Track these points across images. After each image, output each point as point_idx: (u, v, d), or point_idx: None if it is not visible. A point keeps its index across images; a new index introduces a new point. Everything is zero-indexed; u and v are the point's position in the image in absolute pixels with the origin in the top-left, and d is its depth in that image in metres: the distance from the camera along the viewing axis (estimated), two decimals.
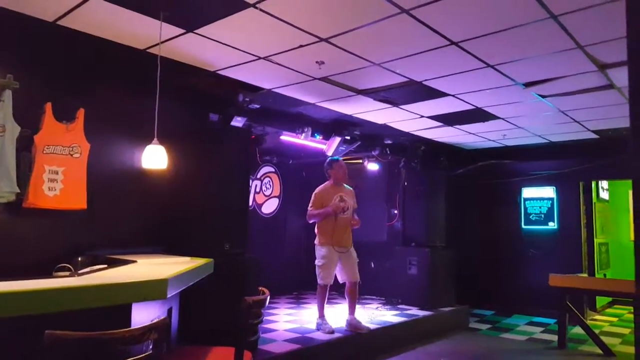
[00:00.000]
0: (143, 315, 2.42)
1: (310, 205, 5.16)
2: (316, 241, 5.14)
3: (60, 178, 3.51)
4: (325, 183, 5.27)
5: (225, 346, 2.54)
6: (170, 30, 3.32)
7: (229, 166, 4.56)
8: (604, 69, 3.91)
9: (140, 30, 3.34)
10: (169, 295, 2.31)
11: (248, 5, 2.93)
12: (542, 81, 4.28)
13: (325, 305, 5.13)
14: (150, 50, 3.68)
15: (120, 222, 4.02)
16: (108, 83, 4.04)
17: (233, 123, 4.60)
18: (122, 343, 1.68)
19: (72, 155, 3.58)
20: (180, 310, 3.36)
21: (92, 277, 2.41)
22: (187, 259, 3.36)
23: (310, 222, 5.23)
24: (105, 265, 2.86)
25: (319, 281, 5.00)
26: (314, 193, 5.20)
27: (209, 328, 3.58)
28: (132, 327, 1.79)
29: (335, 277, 5.09)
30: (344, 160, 5.51)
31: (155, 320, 1.86)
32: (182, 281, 2.62)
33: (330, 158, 5.49)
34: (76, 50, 3.70)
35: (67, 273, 2.73)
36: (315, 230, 5.17)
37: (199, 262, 3.15)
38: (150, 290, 2.29)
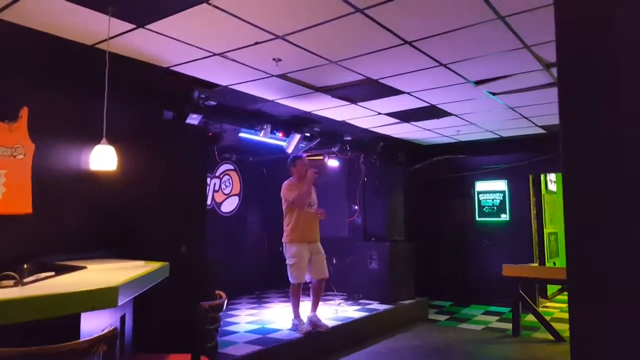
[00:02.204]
0: (93, 324, 2.33)
1: (289, 194, 5.04)
2: (285, 239, 5.08)
3: (2, 181, 3.31)
4: (290, 179, 5.24)
5: (183, 353, 2.48)
6: (120, 25, 3.20)
7: (185, 165, 4.45)
8: (549, 68, 4.08)
9: (88, 26, 3.20)
10: (120, 303, 2.23)
11: (201, 1, 2.86)
12: (492, 79, 4.42)
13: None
14: (99, 46, 3.53)
15: (69, 227, 3.83)
16: (54, 80, 3.83)
17: (188, 121, 4.49)
18: (68, 357, 1.61)
19: (15, 156, 3.38)
20: (135, 317, 3.26)
21: (37, 286, 2.30)
22: (141, 262, 3.25)
23: (295, 206, 5.02)
24: (53, 273, 2.72)
25: (292, 280, 4.94)
26: (283, 186, 5.13)
27: (166, 334, 3.49)
28: (80, 340, 1.71)
29: None
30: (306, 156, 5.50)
31: (105, 331, 1.79)
32: (135, 287, 2.53)
33: (292, 155, 5.46)
34: (19, 46, 3.49)
35: (12, 282, 2.58)
36: (284, 227, 5.11)
37: (153, 266, 3.05)
38: (99, 298, 2.19)
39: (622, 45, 1.06)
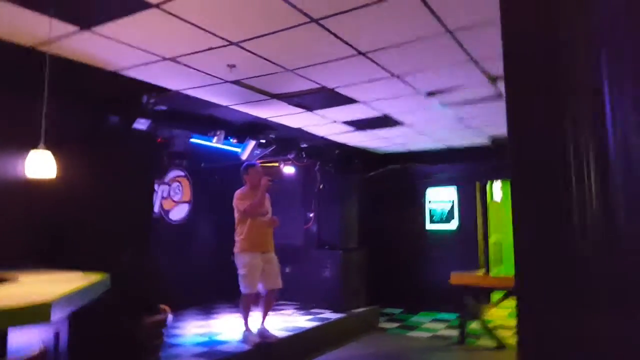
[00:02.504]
0: (23, 340, 2.17)
1: (240, 203, 4.92)
2: (236, 249, 4.92)
3: None
4: (242, 188, 5.12)
5: None
6: (63, 27, 3.04)
7: (130, 171, 4.26)
8: (495, 81, 4.25)
9: (27, 26, 3.01)
10: (54, 319, 2.08)
11: (150, 6, 2.76)
12: (442, 91, 4.55)
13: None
14: (41, 48, 3.33)
15: (1, 236, 3.57)
16: None
17: (136, 125, 4.31)
18: None
19: None
20: (72, 330, 3.06)
21: None
22: (79, 274, 3.06)
23: (250, 215, 4.92)
24: None
25: (243, 290, 4.77)
26: (236, 195, 5.00)
27: (106, 349, 3.31)
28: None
29: None
30: (260, 164, 5.41)
31: (34, 352, 1.66)
32: (72, 302, 2.38)
33: (246, 163, 5.33)
34: None
35: None
36: (236, 238, 4.96)
37: (92, 278, 2.88)
38: (30, 314, 2.04)
39: (563, 51, 1.11)
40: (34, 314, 2.03)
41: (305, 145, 7.09)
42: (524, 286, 1.13)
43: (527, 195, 1.16)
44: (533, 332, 1.10)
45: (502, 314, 7.66)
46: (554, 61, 1.12)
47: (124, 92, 4.27)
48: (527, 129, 1.19)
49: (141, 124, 4.34)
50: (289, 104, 4.95)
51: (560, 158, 1.09)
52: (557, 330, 1.06)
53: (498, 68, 3.90)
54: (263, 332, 4.90)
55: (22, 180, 3.46)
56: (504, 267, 8.98)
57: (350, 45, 3.38)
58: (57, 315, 2.12)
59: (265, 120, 5.69)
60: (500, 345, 5.61)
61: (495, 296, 8.35)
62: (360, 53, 3.53)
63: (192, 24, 3.00)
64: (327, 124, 5.95)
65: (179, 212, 7.27)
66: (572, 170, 1.06)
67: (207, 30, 3.11)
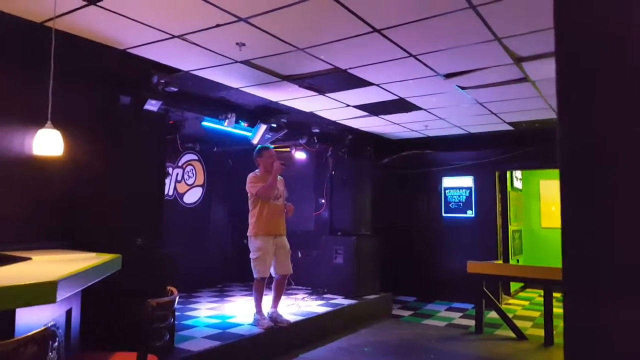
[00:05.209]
0: (33, 318, 2.14)
1: (252, 186, 4.88)
2: (250, 232, 4.91)
3: None
4: (256, 171, 5.06)
5: (131, 351, 2.32)
6: (70, 1, 2.96)
7: (142, 153, 4.22)
8: (519, 62, 4.05)
9: (34, 1, 2.95)
10: (60, 299, 2.04)
11: None
12: (461, 73, 4.38)
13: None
14: (49, 24, 3.26)
15: (15, 215, 3.57)
16: None
17: (147, 107, 4.24)
18: None
19: None
20: (84, 311, 3.05)
21: None
22: (92, 255, 3.04)
23: (260, 198, 4.87)
24: None
25: (255, 275, 4.78)
26: (248, 178, 4.95)
27: (116, 330, 3.29)
28: (9, 340, 1.54)
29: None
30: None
31: (34, 331, 1.62)
32: (80, 281, 2.34)
33: (259, 146, 5.27)
34: None
35: None
36: (249, 220, 4.94)
37: (103, 258, 2.85)
38: (35, 294, 2.00)
39: (625, 40, 0.99)
40: (40, 292, 1.99)
41: (317, 130, 6.98)
42: (573, 281, 1.03)
43: (575, 184, 1.06)
44: (581, 327, 1.00)
45: (521, 304, 7.53)
46: (610, 44, 1.01)
47: (133, 72, 4.20)
48: (577, 115, 1.07)
49: (152, 105, 4.28)
50: (300, 86, 4.83)
51: (610, 146, 1.00)
52: (607, 326, 0.97)
53: (524, 48, 3.71)
54: (276, 317, 4.87)
55: (33, 159, 3.43)
56: (523, 256, 8.82)
57: (366, 22, 3.24)
58: (64, 294, 2.08)
59: (276, 103, 5.59)
60: (521, 336, 5.47)
61: (514, 286, 8.23)
62: (375, 30, 3.38)
63: None
64: (339, 108, 5.82)
65: (192, 196, 7.28)
66: (620, 160, 0.96)
67: (213, 4, 3.00)
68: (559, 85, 1.08)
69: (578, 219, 1.05)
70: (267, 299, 5.01)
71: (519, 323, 5.72)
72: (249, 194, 4.97)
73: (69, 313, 2.72)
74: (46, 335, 1.65)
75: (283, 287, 5.03)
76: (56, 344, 2.06)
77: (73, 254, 3.15)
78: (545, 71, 4.16)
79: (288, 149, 7.27)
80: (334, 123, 6.64)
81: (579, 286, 1.03)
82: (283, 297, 5.17)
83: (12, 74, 3.59)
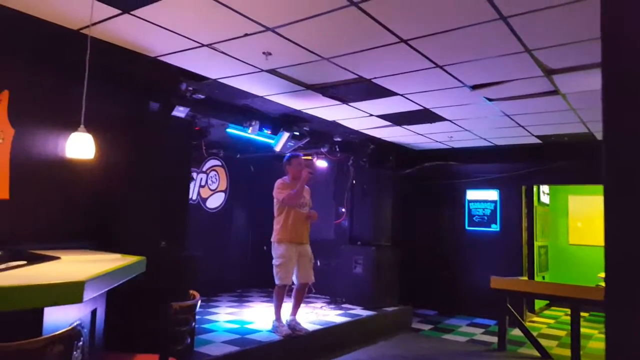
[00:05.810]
0: (60, 317, 2.19)
1: (279, 192, 4.93)
2: (273, 238, 4.95)
3: None
4: (284, 178, 5.11)
5: (153, 353, 2.35)
6: (105, 10, 3.06)
7: (169, 158, 4.30)
8: (550, 75, 3.98)
9: (72, 9, 3.05)
10: (86, 299, 2.08)
11: None
12: (489, 84, 4.33)
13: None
14: (85, 32, 3.37)
15: (46, 215, 3.68)
16: (36, 64, 3.68)
17: (175, 113, 4.34)
18: (16, 358, 1.47)
19: None
20: (108, 312, 3.10)
21: (4, 275, 2.15)
22: (118, 256, 3.11)
23: (286, 205, 4.93)
24: (25, 262, 2.57)
25: (277, 281, 4.81)
26: (276, 185, 5.02)
27: (139, 332, 3.33)
28: (38, 338, 1.57)
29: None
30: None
31: (60, 331, 1.65)
32: (106, 282, 2.39)
33: (289, 154, 5.35)
34: (1, 28, 3.34)
35: None
36: (274, 227, 4.98)
37: (128, 260, 2.91)
38: (63, 293, 2.05)
39: None
40: (68, 292, 2.04)
41: (339, 139, 6.99)
42: (616, 298, 1.00)
43: (621, 195, 1.04)
44: (624, 346, 0.97)
45: (546, 322, 7.31)
46: None
47: (163, 79, 4.31)
48: (625, 126, 1.06)
49: (180, 112, 4.37)
50: (324, 95, 4.85)
51: None
52: None
53: (555, 60, 3.65)
54: (295, 326, 4.87)
55: (65, 162, 3.54)
56: (549, 273, 8.57)
57: (392, 32, 3.24)
58: (91, 294, 2.13)
59: (299, 112, 5.62)
60: (546, 355, 5.30)
61: (539, 304, 7.99)
62: (402, 40, 3.38)
63: (229, 7, 2.95)
64: (362, 118, 5.82)
65: (215, 201, 7.37)
66: None
67: (242, 14, 3.05)
68: (605, 97, 1.06)
69: (624, 233, 1.02)
70: (286, 306, 5.00)
71: (543, 342, 5.55)
72: (274, 200, 5.01)
73: (94, 313, 2.77)
74: (72, 334, 1.68)
75: (303, 295, 5.03)
76: (81, 343, 2.11)
77: (99, 255, 3.22)
78: (577, 84, 4.08)
79: (310, 157, 7.30)
80: (356, 132, 6.64)
81: (623, 302, 1.00)
82: (302, 305, 5.17)
83: (49, 79, 3.73)
